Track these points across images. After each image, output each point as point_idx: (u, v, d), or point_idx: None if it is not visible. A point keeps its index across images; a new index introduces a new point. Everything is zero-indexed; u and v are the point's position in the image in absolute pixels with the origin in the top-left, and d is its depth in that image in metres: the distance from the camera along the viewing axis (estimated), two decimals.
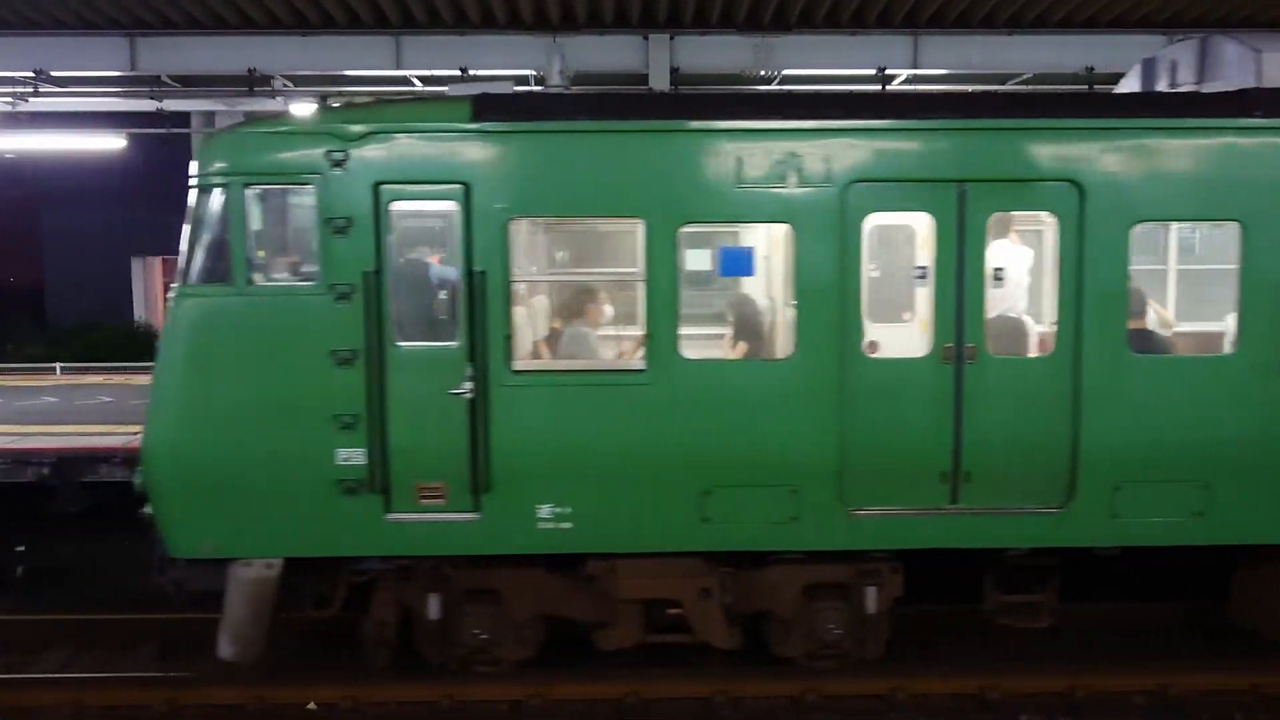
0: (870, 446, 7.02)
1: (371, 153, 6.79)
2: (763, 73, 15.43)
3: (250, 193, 6.87)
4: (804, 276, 6.95)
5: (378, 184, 6.79)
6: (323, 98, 7.12)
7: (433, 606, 7.44)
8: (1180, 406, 6.94)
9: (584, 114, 6.99)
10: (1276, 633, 8.03)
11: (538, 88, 7.42)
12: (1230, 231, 7.09)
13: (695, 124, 6.94)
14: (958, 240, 7.01)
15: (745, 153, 6.87)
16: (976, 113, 7.15)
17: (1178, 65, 8.45)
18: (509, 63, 14.86)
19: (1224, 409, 7.01)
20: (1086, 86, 14.93)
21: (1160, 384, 7.03)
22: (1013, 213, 7.57)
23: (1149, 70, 8.85)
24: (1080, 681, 7.70)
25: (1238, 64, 7.80)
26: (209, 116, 20.82)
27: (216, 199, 6.90)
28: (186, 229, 6.99)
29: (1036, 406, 7.05)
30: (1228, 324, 7.23)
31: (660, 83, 14.52)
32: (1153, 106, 7.50)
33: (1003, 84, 16.16)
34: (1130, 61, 14.61)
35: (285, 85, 16.33)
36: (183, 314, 6.89)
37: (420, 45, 14.39)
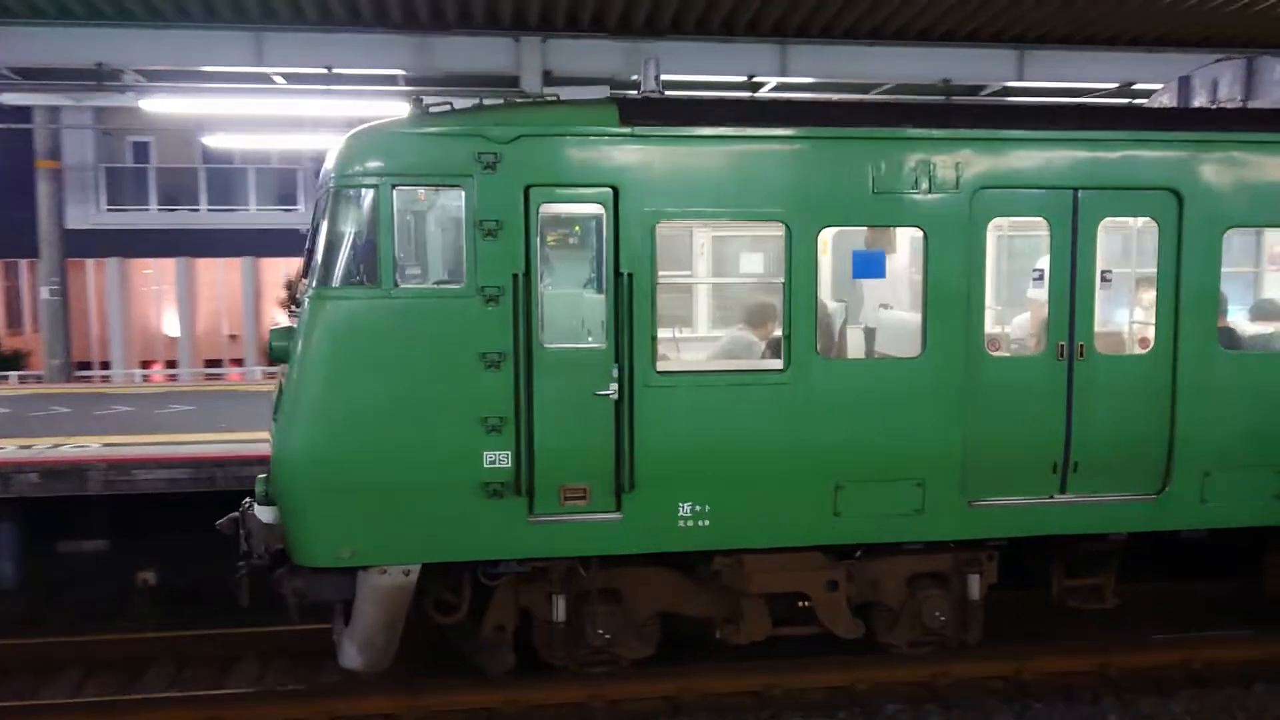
0: (991, 440, 7.40)
1: (523, 155, 6.74)
2: (634, 77, 15.53)
3: (398, 193, 6.70)
4: (934, 278, 7.24)
5: (529, 186, 6.75)
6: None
7: (562, 608, 7.42)
8: (1263, 398, 7.43)
9: (729, 120, 7.12)
10: None
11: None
12: None
13: (835, 131, 7.16)
14: (1071, 244, 7.44)
15: (882, 159, 7.13)
16: (1090, 124, 7.57)
17: (1218, 83, 9.01)
18: (376, 62, 14.57)
19: None
20: (943, 96, 15.55)
21: (1245, 377, 7.57)
22: (1121, 218, 7.93)
23: (1185, 87, 9.37)
24: (942, 669, 7.96)
25: None
26: (53, 111, 19.76)
27: (361, 199, 6.73)
28: (322, 228, 6.83)
29: (1138, 400, 7.56)
30: None
31: (532, 85, 14.44)
32: (1243, 121, 8.00)
33: (866, 93, 16.69)
34: (984, 74, 15.45)
35: (138, 80, 15.59)
36: (324, 316, 6.67)
37: (282, 41, 13.95)
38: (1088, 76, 15.55)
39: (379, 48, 14.17)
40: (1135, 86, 15.71)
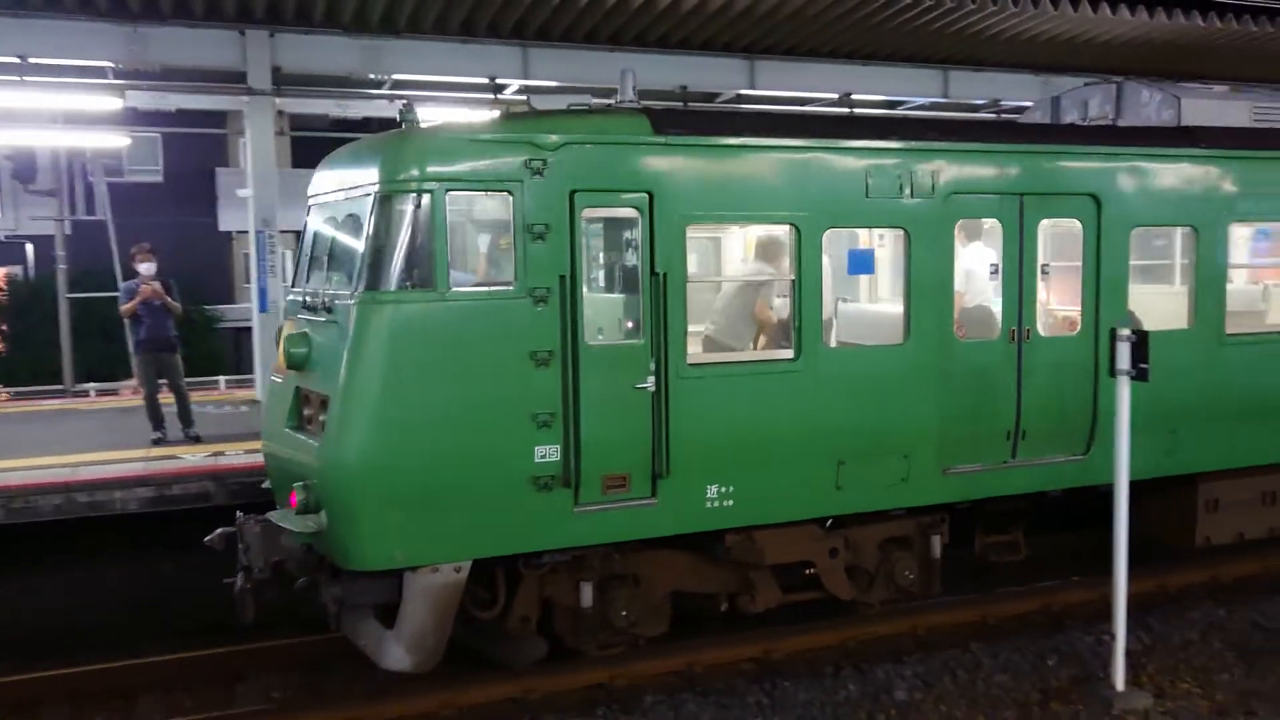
0: (961, 413, 8.39)
1: (568, 162, 7.07)
2: (372, 76, 15.03)
3: (451, 198, 6.88)
4: (915, 272, 8.13)
5: (573, 191, 7.06)
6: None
7: (589, 595, 7.74)
8: (1158, 371, 8.15)
9: (748, 131, 7.76)
10: (1175, 540, 10.14)
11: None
12: (1188, 234, 9.29)
13: (837, 143, 8.00)
14: (1019, 241, 8.57)
15: (874, 168, 7.99)
16: (1034, 139, 8.89)
17: (1089, 103, 10.30)
18: (81, 52, 13.34)
19: (1185, 372, 9.09)
20: (682, 104, 16.05)
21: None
22: (1054, 220, 9.00)
23: (1056, 105, 10.64)
24: (694, 657, 8.17)
25: (1154, 105, 9.86)
26: None
27: (413, 204, 6.88)
28: (367, 233, 6.95)
29: (1070, 374, 8.81)
30: (1186, 306, 9.33)
31: (260, 82, 13.66)
32: (1144, 136, 9.34)
33: (609, 98, 16.96)
34: (719, 82, 16.07)
35: None
36: (379, 320, 6.81)
37: None
38: (811, 86, 16.53)
39: (83, 35, 12.93)
40: (854, 97, 16.86)
